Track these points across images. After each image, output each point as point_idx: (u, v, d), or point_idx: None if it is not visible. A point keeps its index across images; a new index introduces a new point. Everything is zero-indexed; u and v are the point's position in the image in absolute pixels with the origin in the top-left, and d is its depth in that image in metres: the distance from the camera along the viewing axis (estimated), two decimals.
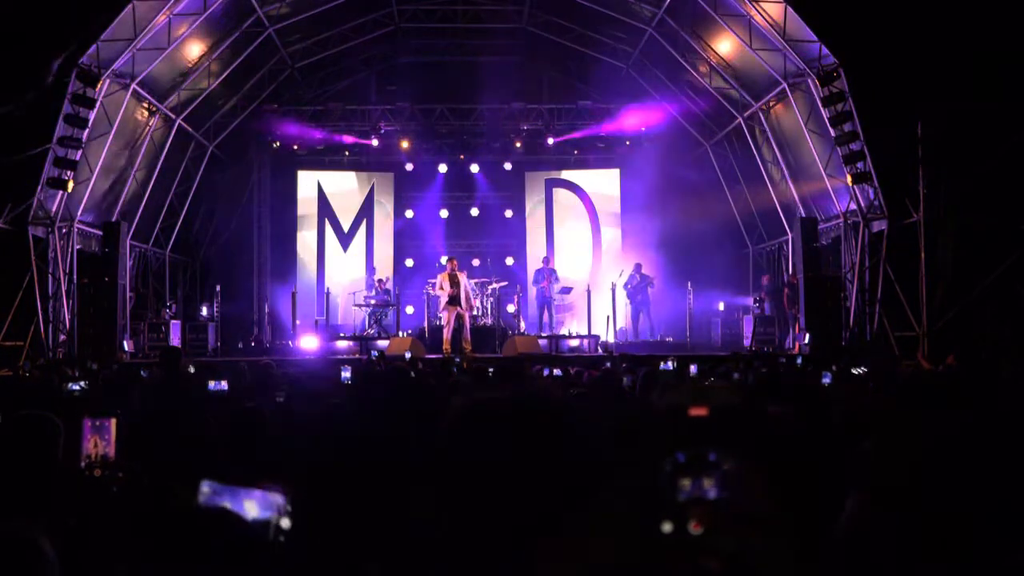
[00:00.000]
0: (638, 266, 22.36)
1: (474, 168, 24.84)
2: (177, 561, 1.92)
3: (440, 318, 20.05)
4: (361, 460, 3.69)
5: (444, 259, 20.30)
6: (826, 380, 10.26)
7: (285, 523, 2.20)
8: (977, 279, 17.37)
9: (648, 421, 1.59)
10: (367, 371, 9.23)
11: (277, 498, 2.23)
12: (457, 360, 14.82)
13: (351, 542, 2.63)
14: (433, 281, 20.89)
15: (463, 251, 23.56)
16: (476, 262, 24.18)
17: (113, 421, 3.97)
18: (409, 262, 24.49)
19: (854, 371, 10.91)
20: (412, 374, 8.04)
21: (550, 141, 24.24)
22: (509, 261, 24.76)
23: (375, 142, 24.05)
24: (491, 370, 10.04)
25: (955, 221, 17.69)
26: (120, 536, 2.89)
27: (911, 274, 18.03)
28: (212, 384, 7.66)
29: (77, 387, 8.21)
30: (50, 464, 3.68)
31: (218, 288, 22.43)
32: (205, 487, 2.25)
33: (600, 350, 19.77)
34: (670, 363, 11.78)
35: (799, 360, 14.71)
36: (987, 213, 16.95)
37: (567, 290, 23.29)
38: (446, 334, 19.24)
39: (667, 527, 1.40)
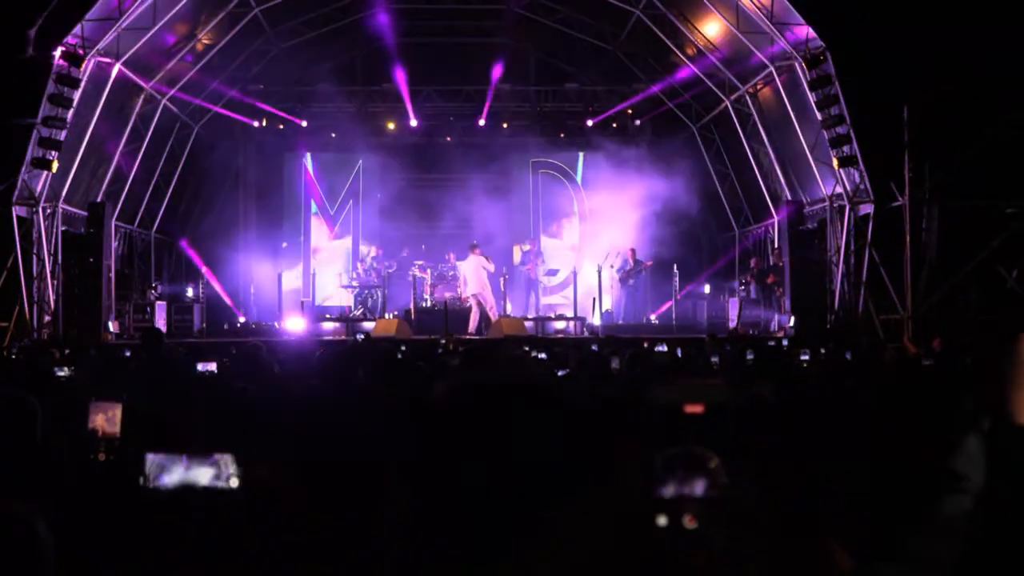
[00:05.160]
0: (632, 251, 22.28)
1: (460, 150, 24.74)
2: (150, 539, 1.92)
3: (484, 299, 20.31)
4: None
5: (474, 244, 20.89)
6: (804, 357, 10.37)
7: (235, 483, 2.28)
8: (962, 262, 17.45)
9: (645, 416, 1.60)
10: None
11: (227, 461, 2.29)
12: (443, 342, 14.84)
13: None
14: (420, 263, 21.14)
15: (449, 233, 23.52)
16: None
17: (119, 406, 3.96)
18: (395, 243, 24.38)
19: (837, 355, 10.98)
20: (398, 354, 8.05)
21: (537, 123, 24.18)
22: (495, 243, 24.70)
23: (362, 123, 23.95)
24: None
25: (940, 204, 17.76)
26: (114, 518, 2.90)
27: (896, 257, 18.09)
28: (201, 366, 7.62)
29: (63, 372, 8.14)
30: (28, 445, 3.63)
31: (204, 269, 22.32)
32: (151, 459, 2.29)
33: (586, 332, 19.82)
34: (664, 346, 11.89)
35: (785, 342, 14.79)
36: (972, 196, 17.02)
37: (553, 272, 23.30)
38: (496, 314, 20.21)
39: (662, 520, 1.44)
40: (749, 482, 1.55)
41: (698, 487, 1.46)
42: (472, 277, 20.24)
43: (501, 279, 21.88)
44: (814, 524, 1.91)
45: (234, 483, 2.31)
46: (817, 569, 1.84)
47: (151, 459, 2.32)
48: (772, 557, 1.65)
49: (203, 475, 2.30)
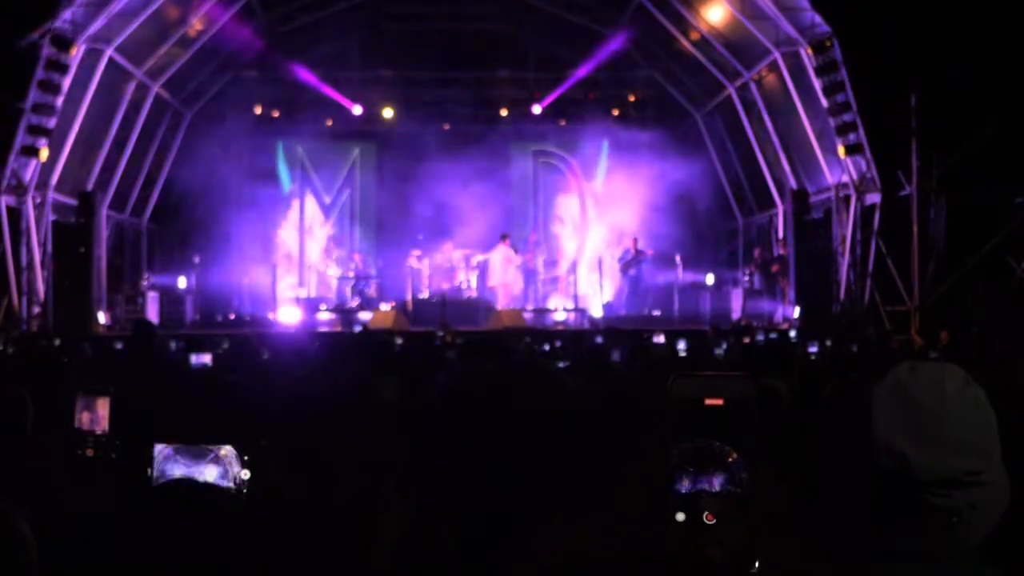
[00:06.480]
0: (635, 240, 22.04)
1: (458, 137, 24.44)
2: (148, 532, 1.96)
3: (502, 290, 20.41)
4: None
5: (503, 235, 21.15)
6: (812, 349, 10.16)
7: (245, 475, 2.37)
8: (969, 253, 17.33)
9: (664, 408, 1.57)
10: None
11: (231, 453, 2.37)
12: (440, 334, 14.63)
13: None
14: (417, 252, 20.94)
15: (448, 222, 23.25)
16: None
17: (107, 399, 3.79)
18: (392, 233, 24.13)
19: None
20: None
21: (536, 110, 23.91)
22: (495, 232, 24.43)
23: (358, 110, 23.67)
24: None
25: (948, 194, 17.62)
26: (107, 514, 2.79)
27: (903, 248, 18.02)
28: (195, 358, 7.49)
29: (64, 359, 8.05)
30: (17, 440, 3.48)
31: (196, 259, 22.06)
32: (158, 450, 2.38)
33: (587, 324, 19.59)
34: (662, 337, 11.67)
35: (792, 334, 14.63)
36: (980, 186, 16.84)
37: (553, 263, 23.05)
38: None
39: (680, 516, 1.45)
40: (768, 477, 1.56)
41: (717, 482, 1.46)
42: (496, 267, 20.21)
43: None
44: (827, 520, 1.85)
45: (242, 476, 2.39)
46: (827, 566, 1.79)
47: (159, 450, 2.40)
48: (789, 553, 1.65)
49: (208, 472, 2.38)
